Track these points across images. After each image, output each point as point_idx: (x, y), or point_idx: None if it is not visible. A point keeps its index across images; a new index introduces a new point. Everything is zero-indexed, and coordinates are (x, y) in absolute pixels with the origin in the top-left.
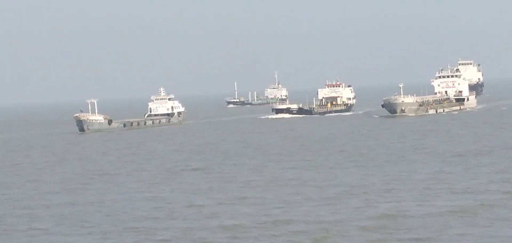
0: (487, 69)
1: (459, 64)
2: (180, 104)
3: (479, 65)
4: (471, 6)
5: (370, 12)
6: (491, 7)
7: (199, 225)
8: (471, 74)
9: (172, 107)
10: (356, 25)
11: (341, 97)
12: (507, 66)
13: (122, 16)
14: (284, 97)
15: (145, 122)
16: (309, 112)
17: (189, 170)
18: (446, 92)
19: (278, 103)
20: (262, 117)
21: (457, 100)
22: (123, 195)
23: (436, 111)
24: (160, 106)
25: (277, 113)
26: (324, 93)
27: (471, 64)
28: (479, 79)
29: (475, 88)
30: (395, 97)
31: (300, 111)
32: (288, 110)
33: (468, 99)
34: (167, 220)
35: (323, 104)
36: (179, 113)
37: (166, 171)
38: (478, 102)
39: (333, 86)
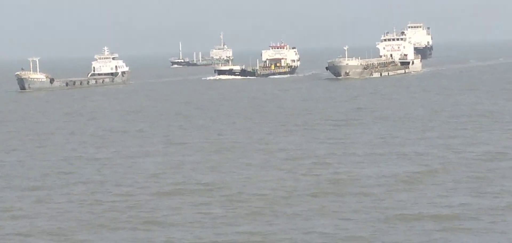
0: (438, 32)
1: (409, 27)
2: (124, 64)
3: (428, 28)
4: None
5: None
6: None
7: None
8: (420, 37)
9: (116, 67)
10: None
11: (285, 59)
12: (457, 29)
13: None
14: (230, 58)
15: (88, 82)
16: (252, 74)
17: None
18: (391, 55)
19: (220, 65)
20: (204, 79)
21: (402, 63)
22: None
23: (381, 74)
24: (103, 66)
25: (219, 74)
26: (268, 54)
27: (420, 27)
28: (428, 42)
29: (424, 51)
30: (340, 59)
31: (243, 72)
32: (230, 72)
33: (413, 63)
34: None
35: (267, 65)
36: (123, 72)
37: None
38: (426, 65)
39: (277, 48)
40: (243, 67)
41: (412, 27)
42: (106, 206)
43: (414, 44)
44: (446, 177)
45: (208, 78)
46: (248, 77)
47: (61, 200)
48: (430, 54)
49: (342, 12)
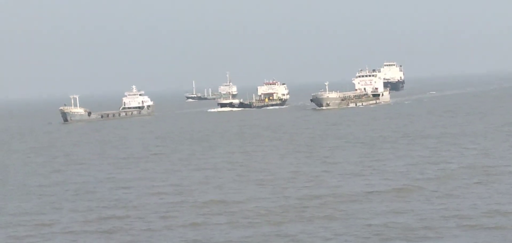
0: (409, 68)
1: (384, 65)
2: (149, 99)
3: (401, 65)
4: (393, 10)
5: (303, 14)
6: (411, 10)
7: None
8: (394, 73)
9: (142, 101)
10: (292, 25)
11: (277, 93)
12: (426, 65)
13: (98, 21)
14: (234, 93)
15: (120, 114)
16: (249, 106)
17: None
18: (365, 89)
19: (222, 99)
20: (209, 110)
21: (374, 95)
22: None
23: (356, 105)
24: (132, 100)
25: (221, 107)
26: (262, 89)
27: (394, 65)
28: (400, 77)
29: (397, 84)
30: (321, 93)
31: (241, 105)
32: (230, 104)
33: (382, 95)
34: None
35: (262, 99)
36: (148, 106)
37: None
38: (398, 96)
39: (270, 84)
40: (241, 100)
41: (387, 65)
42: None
43: (389, 79)
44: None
45: (211, 110)
46: (245, 108)
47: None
48: (402, 87)
49: (327, 51)
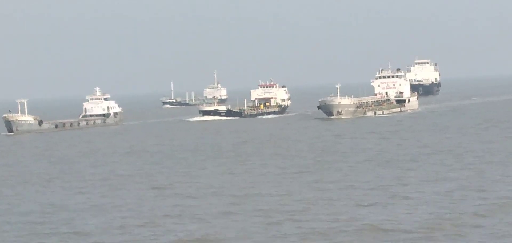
0: (446, 67)
1: (416, 63)
2: (116, 104)
3: (436, 64)
4: (430, 4)
5: (313, 9)
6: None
7: None
8: (427, 73)
9: (108, 107)
10: (295, 15)
11: (275, 98)
12: (465, 65)
13: (53, 12)
14: (223, 97)
15: (79, 123)
16: (239, 114)
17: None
18: (386, 93)
19: (204, 105)
20: (188, 120)
21: (398, 101)
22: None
23: (375, 113)
24: (95, 106)
25: (203, 115)
26: (257, 94)
27: (428, 63)
28: (436, 78)
29: (430, 87)
30: (331, 98)
31: (229, 113)
32: (216, 112)
33: (409, 101)
34: None
35: (256, 105)
36: (115, 113)
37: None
38: (428, 102)
39: (267, 87)
40: (229, 107)
41: (419, 63)
42: None
43: (421, 81)
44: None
45: (191, 119)
46: (234, 117)
47: None
48: (438, 90)
49: (340, 46)
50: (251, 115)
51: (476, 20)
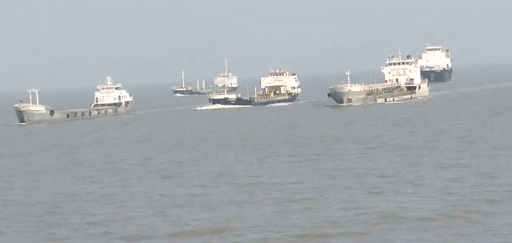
0: (459, 53)
1: (427, 49)
2: (127, 94)
3: (447, 50)
4: None
5: None
6: None
7: None
8: (439, 59)
9: (119, 97)
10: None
11: (285, 86)
12: (477, 51)
13: (63, 1)
14: (234, 86)
15: (90, 112)
16: (249, 102)
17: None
18: (397, 80)
19: (214, 93)
20: (198, 108)
21: (408, 88)
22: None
23: (385, 100)
24: (106, 96)
25: (214, 103)
26: (267, 82)
27: (439, 49)
28: (447, 65)
29: (442, 74)
30: (342, 85)
31: (239, 101)
32: (225, 101)
33: (419, 87)
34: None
35: (266, 93)
36: (126, 102)
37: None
38: (441, 88)
39: (276, 75)
40: (239, 95)
41: (430, 49)
42: None
43: (433, 67)
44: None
45: (201, 108)
46: (244, 105)
47: None
48: (449, 77)
49: (349, 32)
50: (261, 103)
51: (488, 5)
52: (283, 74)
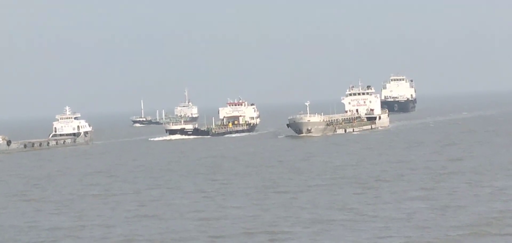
0: (423, 83)
1: (391, 80)
2: (87, 123)
3: (412, 80)
4: (403, 20)
5: (283, 25)
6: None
7: None
8: (403, 90)
9: (78, 127)
10: (266, 31)
11: (244, 116)
12: (441, 82)
13: (20, 28)
14: (195, 115)
15: (48, 143)
16: (206, 133)
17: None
18: (357, 110)
19: (171, 124)
20: (153, 139)
21: (369, 118)
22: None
23: (345, 131)
24: (65, 126)
25: (170, 134)
26: (225, 112)
27: (403, 79)
28: (411, 95)
29: (406, 104)
30: (301, 116)
31: (196, 131)
32: (182, 131)
33: (380, 118)
34: None
35: (224, 123)
36: (85, 133)
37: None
38: (405, 119)
39: (235, 105)
40: (196, 125)
41: (394, 79)
42: None
43: (397, 97)
44: None
45: (155, 139)
46: (201, 136)
47: None
48: (413, 107)
49: (317, 65)
50: (218, 134)
51: (454, 35)
52: (241, 104)
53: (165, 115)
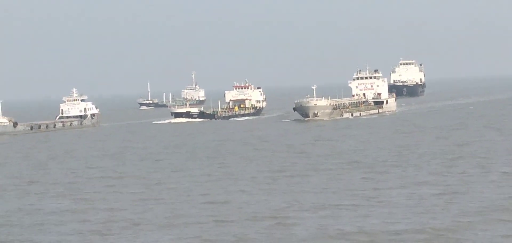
0: (432, 67)
1: (400, 64)
2: (93, 106)
3: (421, 65)
4: (413, 4)
5: (292, 9)
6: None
7: None
8: (412, 74)
9: (85, 109)
10: (273, 16)
11: (250, 99)
12: (450, 66)
13: (28, 12)
14: (202, 99)
15: (55, 125)
16: (212, 116)
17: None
18: (364, 94)
19: (176, 107)
20: (158, 122)
21: (376, 103)
22: None
23: (352, 115)
24: (72, 108)
25: (176, 117)
26: (231, 95)
27: (412, 64)
28: (421, 79)
29: (415, 88)
30: (307, 100)
31: (201, 115)
32: (187, 114)
33: (387, 102)
34: None
35: (230, 107)
36: (92, 115)
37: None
38: (414, 103)
39: (241, 88)
40: (202, 109)
41: (404, 63)
42: None
43: (406, 82)
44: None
45: (160, 121)
46: (206, 119)
47: None
48: (422, 91)
49: (326, 48)
50: (224, 117)
51: (464, 20)
52: (248, 88)
53: (171, 98)
